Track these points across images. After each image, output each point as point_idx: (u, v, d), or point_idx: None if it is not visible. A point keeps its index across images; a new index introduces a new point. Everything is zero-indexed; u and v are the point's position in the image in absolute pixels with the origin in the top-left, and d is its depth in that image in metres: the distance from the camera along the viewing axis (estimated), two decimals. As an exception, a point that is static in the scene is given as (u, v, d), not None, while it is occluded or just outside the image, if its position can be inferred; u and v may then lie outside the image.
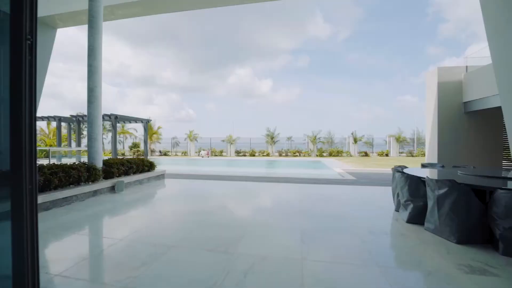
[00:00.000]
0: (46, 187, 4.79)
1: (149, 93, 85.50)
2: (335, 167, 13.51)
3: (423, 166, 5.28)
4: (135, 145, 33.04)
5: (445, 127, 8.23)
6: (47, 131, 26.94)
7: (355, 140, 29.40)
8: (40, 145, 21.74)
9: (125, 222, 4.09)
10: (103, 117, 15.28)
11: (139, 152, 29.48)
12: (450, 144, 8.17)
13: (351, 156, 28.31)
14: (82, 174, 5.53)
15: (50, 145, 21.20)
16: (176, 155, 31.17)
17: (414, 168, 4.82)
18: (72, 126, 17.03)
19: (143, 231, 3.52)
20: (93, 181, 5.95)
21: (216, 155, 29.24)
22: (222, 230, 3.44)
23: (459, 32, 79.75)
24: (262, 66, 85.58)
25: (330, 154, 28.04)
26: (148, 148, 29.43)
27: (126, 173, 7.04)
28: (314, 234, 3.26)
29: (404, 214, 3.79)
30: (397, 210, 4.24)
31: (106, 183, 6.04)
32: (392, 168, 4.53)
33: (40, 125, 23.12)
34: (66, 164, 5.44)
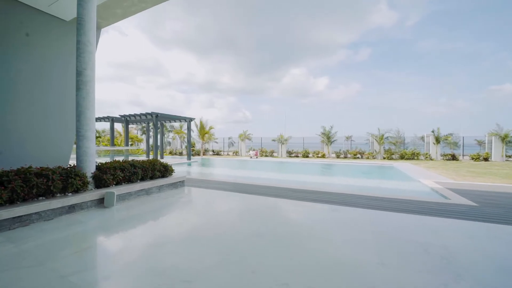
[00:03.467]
0: (-10, 202, 3.42)
1: (211, 97, 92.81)
2: (419, 176, 9.63)
3: None
4: (191, 145, 33.76)
5: None
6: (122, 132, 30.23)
7: (437, 140, 23.08)
8: (107, 145, 23.86)
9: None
10: (145, 116, 15.24)
11: (194, 151, 30.15)
12: None
13: (431, 159, 22.31)
14: (53, 183, 4.08)
15: (115, 145, 23.02)
16: (228, 155, 30.83)
17: None
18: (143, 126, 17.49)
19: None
20: (76, 192, 4.50)
21: (267, 156, 27.36)
22: None
23: None
24: (318, 64, 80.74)
25: (402, 157, 22.70)
26: (201, 147, 29.76)
27: (129, 180, 5.50)
28: None
29: None
30: None
31: (91, 195, 4.52)
32: None
33: (102, 125, 25.32)
34: (31, 169, 4.06)
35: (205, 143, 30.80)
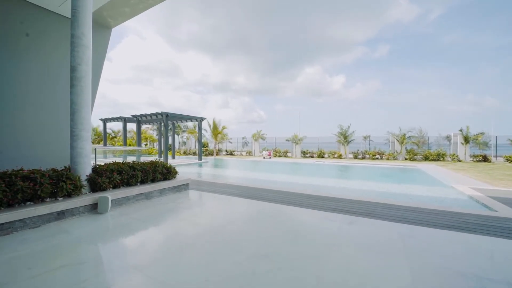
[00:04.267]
0: (-32, 209, 3.11)
1: (225, 98, 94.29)
2: (451, 180, 8.59)
3: None
4: (204, 145, 33.95)
5: None
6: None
7: (466, 140, 21.25)
8: (121, 144, 24.27)
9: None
10: (156, 116, 15.13)
11: (207, 151, 30.15)
12: None
13: (459, 161, 20.61)
14: (41, 187, 3.74)
15: (129, 145, 23.30)
16: (241, 155, 30.58)
17: None
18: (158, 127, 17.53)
19: None
20: (68, 196, 4.17)
21: (280, 156, 26.68)
22: None
23: None
24: (333, 62, 78.89)
25: (426, 158, 21.17)
26: (214, 147, 29.60)
27: (127, 183, 5.13)
28: None
29: None
30: None
31: (83, 200, 4.17)
32: None
33: (119, 126, 25.70)
34: (20, 171, 3.75)
35: (218, 143, 30.61)
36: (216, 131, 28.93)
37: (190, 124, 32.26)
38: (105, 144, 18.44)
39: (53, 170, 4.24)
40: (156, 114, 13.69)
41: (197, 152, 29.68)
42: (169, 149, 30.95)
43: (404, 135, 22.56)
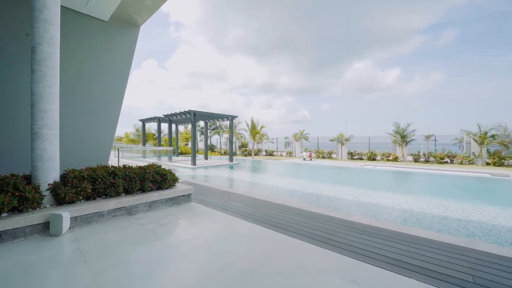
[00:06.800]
0: None
1: (269, 99, 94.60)
2: None
3: None
4: (243, 145, 33.35)
5: None
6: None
7: None
8: (156, 144, 25.07)
9: None
10: (185, 115, 14.55)
11: (246, 151, 29.47)
12: None
13: None
14: (-31, 201, 2.84)
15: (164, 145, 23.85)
16: (281, 155, 29.04)
17: None
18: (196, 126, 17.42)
19: None
20: (20, 211, 3.25)
21: (324, 157, 24.14)
22: None
23: None
24: (386, 55, 70.54)
25: (519, 163, 16.19)
26: (252, 147, 28.60)
27: (105, 194, 4.06)
28: None
29: None
30: None
31: (30, 218, 3.18)
32: None
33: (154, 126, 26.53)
34: None
35: (257, 143, 29.52)
36: (254, 130, 27.84)
37: (228, 123, 31.93)
38: (144, 144, 19.02)
39: (10, 176, 3.37)
40: (185, 113, 13.07)
41: (236, 152, 28.96)
42: (210, 148, 31.11)
43: (485, 133, 17.75)
